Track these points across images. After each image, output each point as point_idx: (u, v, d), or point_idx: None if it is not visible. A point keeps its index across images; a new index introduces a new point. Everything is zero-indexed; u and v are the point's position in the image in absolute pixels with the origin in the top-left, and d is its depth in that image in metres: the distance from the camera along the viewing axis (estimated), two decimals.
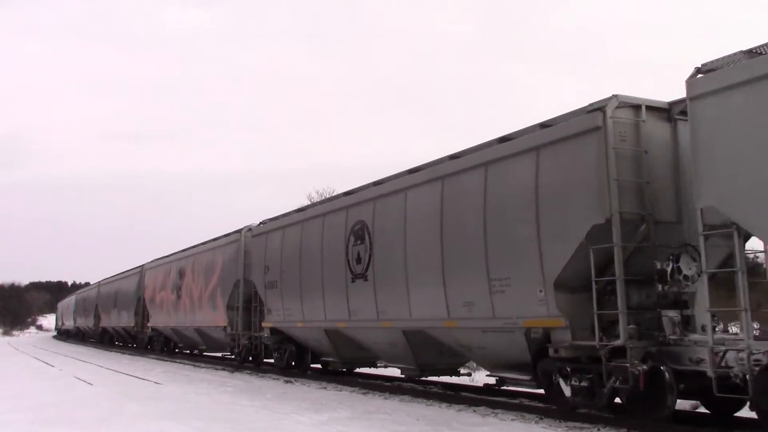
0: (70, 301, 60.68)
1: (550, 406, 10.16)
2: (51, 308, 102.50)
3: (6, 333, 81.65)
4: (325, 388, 14.24)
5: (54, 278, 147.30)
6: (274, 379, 16.77)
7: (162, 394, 13.54)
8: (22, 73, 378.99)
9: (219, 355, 24.34)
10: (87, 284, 66.85)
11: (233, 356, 21.71)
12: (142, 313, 31.31)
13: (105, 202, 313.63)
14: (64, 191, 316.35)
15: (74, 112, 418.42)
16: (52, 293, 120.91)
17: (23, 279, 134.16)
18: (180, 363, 23.93)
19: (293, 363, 17.45)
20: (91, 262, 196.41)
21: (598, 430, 8.56)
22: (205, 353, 25.80)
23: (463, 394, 12.47)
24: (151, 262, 31.10)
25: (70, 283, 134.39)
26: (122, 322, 35.63)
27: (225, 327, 20.61)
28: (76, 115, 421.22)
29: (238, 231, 20.53)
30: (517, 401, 11.04)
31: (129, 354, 31.21)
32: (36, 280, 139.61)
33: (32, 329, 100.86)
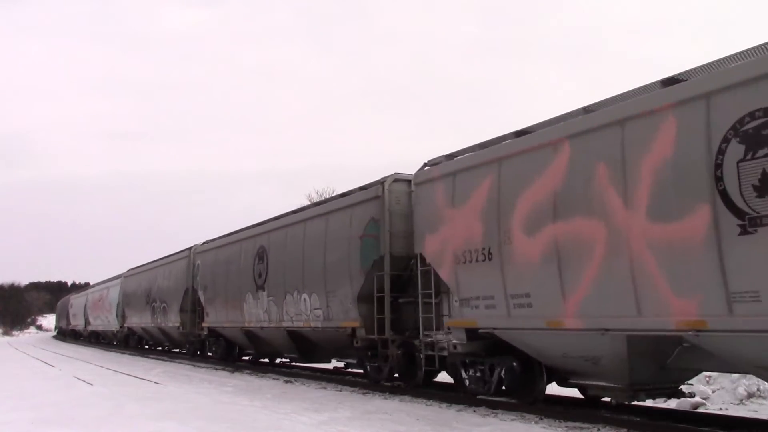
0: (104, 292, 40.57)
1: (551, 406, 10.18)
2: (51, 308, 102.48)
3: (6, 333, 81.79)
4: (325, 388, 14.24)
5: (54, 278, 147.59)
6: (273, 378, 16.77)
7: (162, 394, 13.53)
8: (22, 72, 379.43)
9: None
10: (87, 284, 66.47)
11: None
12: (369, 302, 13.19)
13: (105, 202, 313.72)
14: (64, 191, 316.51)
15: (75, 111, 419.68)
16: (52, 293, 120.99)
17: (23, 279, 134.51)
18: (180, 363, 23.89)
19: None
20: (91, 262, 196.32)
21: (598, 430, 8.56)
22: None
23: (463, 394, 12.45)
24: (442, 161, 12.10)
25: (69, 283, 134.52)
26: (299, 320, 15.76)
27: None
28: (76, 115, 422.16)
29: None
30: (517, 401, 11.03)
31: (129, 354, 31.17)
32: (36, 280, 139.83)
33: (32, 329, 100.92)
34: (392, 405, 11.19)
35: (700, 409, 10.62)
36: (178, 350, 28.78)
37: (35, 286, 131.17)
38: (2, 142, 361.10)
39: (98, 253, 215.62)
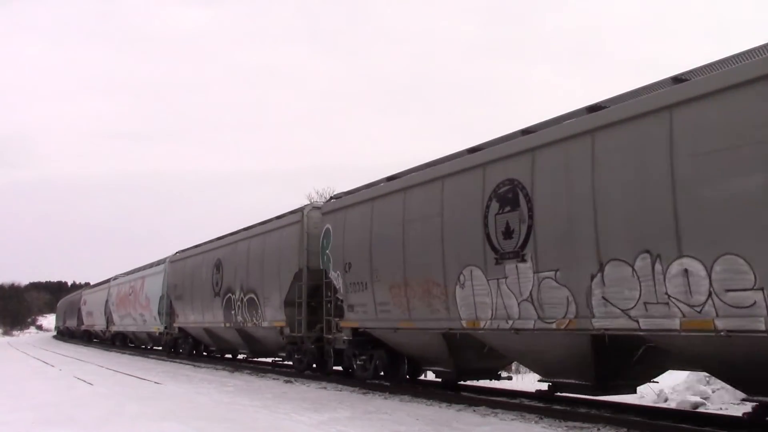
0: (136, 283, 31.27)
1: (551, 406, 10.20)
2: (51, 308, 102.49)
3: (6, 333, 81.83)
4: (325, 388, 14.24)
5: (54, 278, 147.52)
6: (274, 379, 16.78)
7: (162, 394, 13.54)
8: (22, 73, 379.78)
9: None
10: (87, 284, 66.29)
11: None
12: None
13: (105, 202, 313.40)
14: (64, 191, 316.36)
15: (75, 111, 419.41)
16: (52, 293, 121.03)
17: (23, 279, 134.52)
18: (180, 363, 23.89)
19: None
20: (91, 262, 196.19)
21: (598, 429, 8.56)
22: None
23: (463, 394, 12.47)
24: None
25: (69, 283, 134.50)
26: (657, 314, 7.55)
27: None
28: (76, 115, 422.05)
29: None
30: (517, 401, 11.05)
31: (129, 354, 31.16)
32: (36, 280, 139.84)
33: (32, 329, 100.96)
34: (392, 405, 11.19)
35: (700, 409, 10.63)
36: (270, 360, 20.52)
37: (35, 286, 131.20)
38: (2, 142, 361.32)
39: (98, 253, 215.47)
